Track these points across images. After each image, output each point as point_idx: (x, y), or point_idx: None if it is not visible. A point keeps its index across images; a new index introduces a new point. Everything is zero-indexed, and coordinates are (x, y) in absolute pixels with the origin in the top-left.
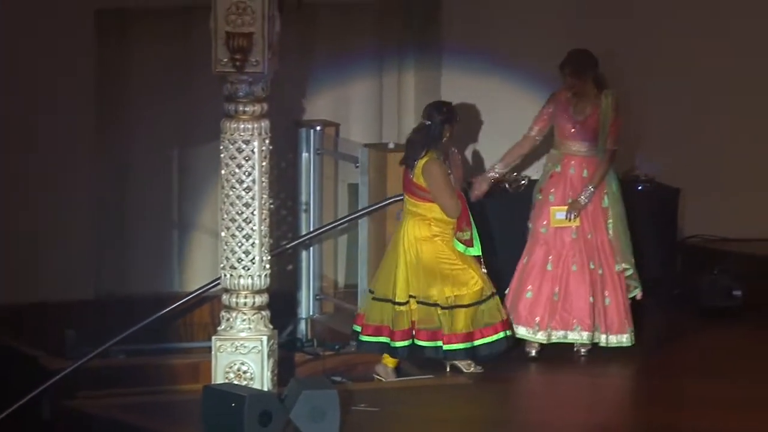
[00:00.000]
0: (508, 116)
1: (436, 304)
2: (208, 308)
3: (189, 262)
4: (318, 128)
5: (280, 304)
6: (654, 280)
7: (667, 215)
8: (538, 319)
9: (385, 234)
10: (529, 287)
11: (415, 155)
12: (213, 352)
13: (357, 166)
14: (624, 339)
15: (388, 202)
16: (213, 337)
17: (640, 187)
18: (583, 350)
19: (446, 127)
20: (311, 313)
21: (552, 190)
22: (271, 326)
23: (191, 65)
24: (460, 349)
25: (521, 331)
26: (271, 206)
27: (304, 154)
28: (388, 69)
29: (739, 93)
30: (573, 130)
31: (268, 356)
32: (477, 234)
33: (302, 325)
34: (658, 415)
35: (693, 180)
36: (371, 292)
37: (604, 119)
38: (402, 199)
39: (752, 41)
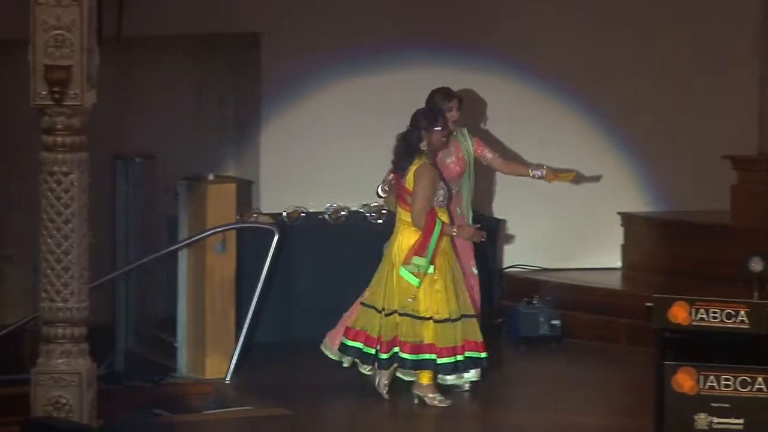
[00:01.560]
0: (326, 151)
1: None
2: (27, 340)
3: (7, 293)
4: (137, 160)
5: (99, 336)
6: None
7: (490, 246)
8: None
9: (204, 266)
10: None
11: (406, 161)
12: (32, 385)
13: (176, 199)
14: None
15: (207, 234)
16: (32, 370)
17: None
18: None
19: (423, 134)
20: (130, 346)
21: None
22: (89, 358)
23: (9, 97)
24: (448, 363)
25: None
26: (91, 239)
27: (123, 187)
28: (207, 101)
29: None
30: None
31: (87, 389)
32: (427, 267)
33: (121, 358)
34: None
35: (513, 210)
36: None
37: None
38: (221, 232)
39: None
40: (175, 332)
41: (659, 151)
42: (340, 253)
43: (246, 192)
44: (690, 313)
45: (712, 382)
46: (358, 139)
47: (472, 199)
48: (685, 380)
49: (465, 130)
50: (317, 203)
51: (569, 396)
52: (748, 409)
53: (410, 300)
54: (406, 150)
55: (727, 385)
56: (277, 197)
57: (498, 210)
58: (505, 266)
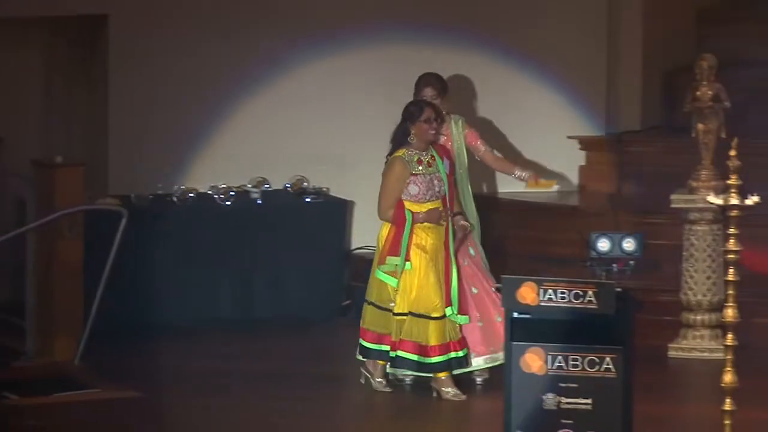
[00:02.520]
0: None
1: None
2: None
3: None
4: None
5: None
6: (324, 292)
7: (338, 227)
8: None
9: (52, 249)
10: None
11: (390, 152)
12: None
13: (24, 182)
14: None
15: (54, 217)
16: None
17: (308, 200)
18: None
19: (409, 125)
20: None
21: None
22: None
23: None
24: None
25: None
26: None
27: None
28: (56, 83)
29: None
30: None
31: None
32: (403, 265)
33: None
34: None
35: (362, 191)
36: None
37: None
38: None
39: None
40: (24, 315)
41: (507, 131)
42: (189, 234)
43: (96, 175)
44: (538, 294)
45: (560, 363)
46: (204, 118)
47: (468, 189)
48: (533, 360)
49: (460, 120)
50: (166, 185)
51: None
52: (597, 389)
53: (392, 305)
54: (392, 143)
55: (575, 366)
56: (127, 180)
57: (347, 191)
58: (353, 247)
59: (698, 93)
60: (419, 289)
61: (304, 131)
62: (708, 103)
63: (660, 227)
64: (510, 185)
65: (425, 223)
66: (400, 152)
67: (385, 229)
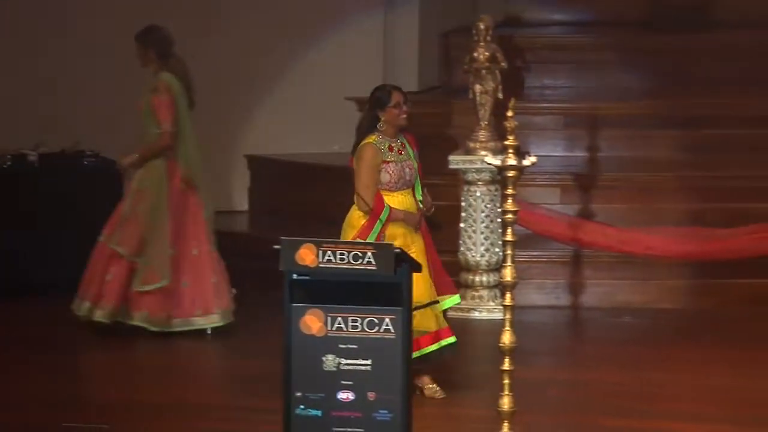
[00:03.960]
0: None
1: None
2: None
3: None
4: None
5: None
6: None
7: (115, 189)
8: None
9: None
10: None
11: (358, 140)
12: None
13: None
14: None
15: None
16: None
17: (85, 162)
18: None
19: (378, 112)
20: None
21: None
22: None
23: None
24: None
25: None
26: None
27: None
28: None
29: None
30: None
31: None
32: None
33: None
34: None
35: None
36: None
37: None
38: None
39: None
40: None
41: (284, 93)
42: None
43: None
44: (317, 255)
45: (340, 324)
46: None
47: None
48: (313, 322)
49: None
50: None
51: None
52: (376, 350)
53: None
54: (357, 132)
55: (354, 327)
56: None
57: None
58: None
59: (475, 54)
60: None
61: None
62: (485, 64)
63: (438, 188)
64: (291, 146)
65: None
66: (370, 138)
67: (357, 215)
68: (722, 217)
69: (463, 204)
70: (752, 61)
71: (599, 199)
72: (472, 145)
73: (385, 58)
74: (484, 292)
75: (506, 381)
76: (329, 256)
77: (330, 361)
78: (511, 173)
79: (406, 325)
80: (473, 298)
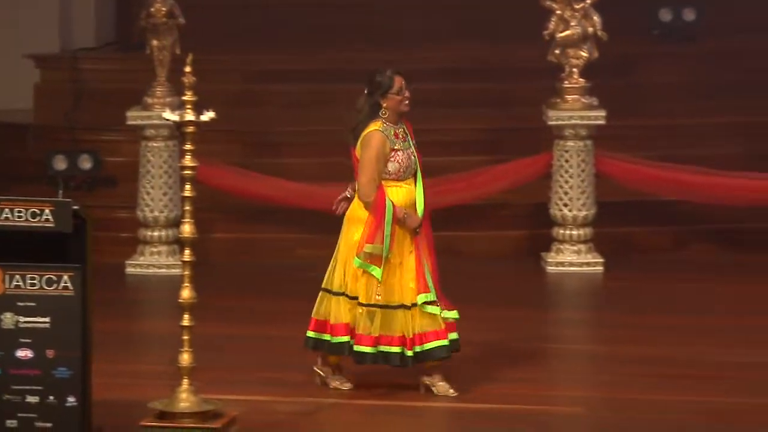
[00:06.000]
0: None
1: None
2: None
3: None
4: None
5: None
6: None
7: None
8: None
9: None
10: None
11: (359, 127)
12: None
13: None
14: None
15: None
16: None
17: None
18: None
19: (379, 98)
20: None
21: None
22: None
23: None
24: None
25: None
26: None
27: None
28: None
29: None
30: None
31: None
32: (387, 253)
33: None
34: None
35: None
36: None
37: None
38: None
39: None
40: None
41: None
42: None
43: None
44: None
45: (18, 282)
46: None
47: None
48: None
49: None
50: None
51: None
52: (54, 307)
53: (378, 297)
54: (359, 117)
55: (33, 284)
56: None
57: None
58: None
59: (152, 9)
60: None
61: None
62: (162, 19)
63: (117, 144)
64: None
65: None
66: (376, 125)
67: (360, 210)
68: None
69: (141, 160)
70: None
71: (283, 155)
72: (149, 101)
73: (61, 14)
74: (163, 248)
75: (186, 337)
76: (7, 214)
77: (8, 319)
78: (189, 129)
79: (84, 281)
80: (152, 254)
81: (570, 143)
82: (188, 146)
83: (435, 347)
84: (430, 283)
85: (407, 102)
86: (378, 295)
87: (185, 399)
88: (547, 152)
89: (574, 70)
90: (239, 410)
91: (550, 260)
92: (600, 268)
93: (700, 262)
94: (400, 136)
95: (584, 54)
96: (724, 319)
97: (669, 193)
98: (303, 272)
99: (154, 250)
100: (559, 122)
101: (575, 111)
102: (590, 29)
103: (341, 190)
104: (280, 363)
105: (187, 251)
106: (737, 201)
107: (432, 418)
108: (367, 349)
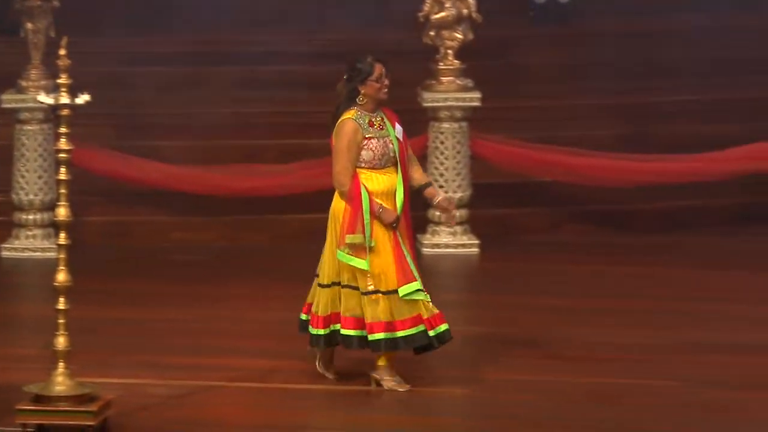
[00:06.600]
0: None
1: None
2: None
3: None
4: None
5: None
6: None
7: None
8: None
9: None
10: None
11: (336, 114)
12: None
13: None
14: None
15: None
16: None
17: None
18: None
19: (357, 85)
20: None
21: None
22: None
23: None
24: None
25: None
26: None
27: None
28: None
29: None
30: None
31: None
32: (369, 242)
33: None
34: None
35: None
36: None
37: None
38: None
39: None
40: None
41: None
42: None
43: None
44: None
45: None
46: None
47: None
48: None
49: None
50: None
51: None
52: None
53: (369, 286)
54: (337, 105)
55: None
56: None
57: None
58: None
59: None
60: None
61: None
62: (37, 2)
63: None
64: None
65: (378, 193)
66: (350, 113)
67: (339, 202)
68: (279, 153)
69: (16, 143)
70: None
71: (157, 137)
72: (24, 84)
73: None
74: (38, 231)
75: (61, 320)
76: None
77: None
78: (64, 112)
79: None
80: (27, 237)
81: (445, 125)
82: (63, 129)
83: (417, 332)
84: (415, 272)
85: (386, 90)
86: (370, 284)
87: (61, 382)
88: (422, 134)
89: (449, 51)
90: (115, 393)
91: (425, 242)
92: (476, 250)
93: (575, 243)
94: (376, 125)
95: (459, 36)
96: (600, 302)
97: (543, 174)
98: (178, 255)
99: (29, 233)
100: (435, 104)
101: (450, 93)
102: (465, 11)
103: (214, 173)
104: (155, 346)
105: (62, 234)
106: (608, 182)
107: (313, 400)
108: (351, 332)
